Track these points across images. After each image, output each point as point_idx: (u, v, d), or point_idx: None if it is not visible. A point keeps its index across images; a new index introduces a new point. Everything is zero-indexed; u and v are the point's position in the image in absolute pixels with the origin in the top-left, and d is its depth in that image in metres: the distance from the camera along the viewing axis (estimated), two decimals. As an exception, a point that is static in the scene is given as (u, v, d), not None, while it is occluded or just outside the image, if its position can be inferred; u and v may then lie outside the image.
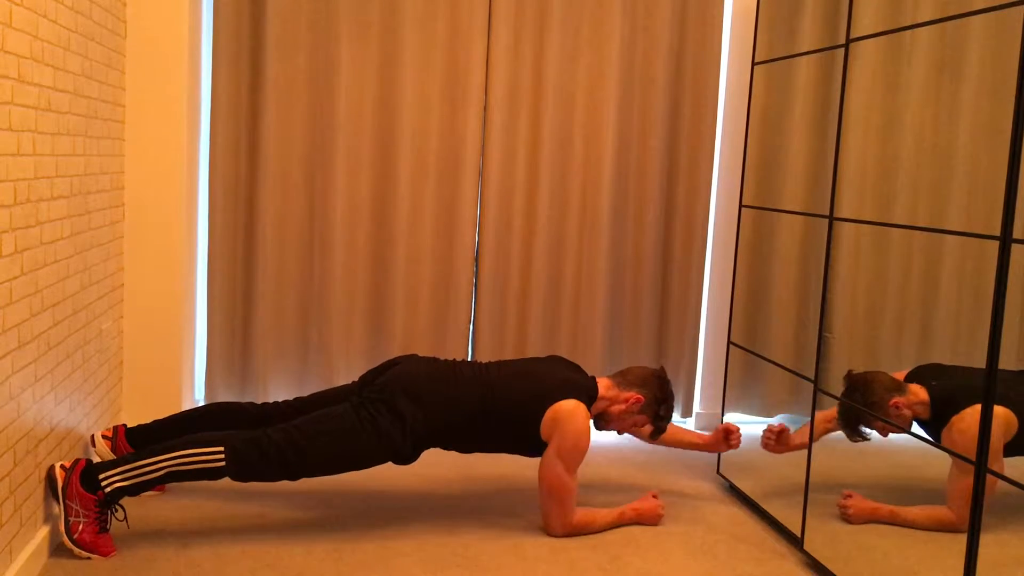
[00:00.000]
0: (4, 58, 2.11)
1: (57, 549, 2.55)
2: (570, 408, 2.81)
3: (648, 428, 3.05)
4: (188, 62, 3.31)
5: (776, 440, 3.03)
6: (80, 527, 2.50)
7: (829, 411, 2.73)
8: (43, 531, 2.48)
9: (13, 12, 2.15)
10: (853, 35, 2.62)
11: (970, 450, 2.12)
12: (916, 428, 2.40)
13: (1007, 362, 2.02)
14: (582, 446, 2.80)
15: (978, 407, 2.09)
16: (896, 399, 2.44)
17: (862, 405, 2.57)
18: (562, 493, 2.81)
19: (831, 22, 2.82)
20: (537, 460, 2.89)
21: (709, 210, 3.93)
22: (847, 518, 2.66)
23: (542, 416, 2.80)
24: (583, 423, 2.81)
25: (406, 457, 2.78)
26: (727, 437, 3.19)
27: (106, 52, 2.96)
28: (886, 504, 2.58)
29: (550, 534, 2.85)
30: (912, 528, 2.55)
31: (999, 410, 2.04)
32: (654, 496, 3.04)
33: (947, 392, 2.32)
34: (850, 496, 2.66)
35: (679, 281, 3.95)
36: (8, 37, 2.13)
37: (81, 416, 2.83)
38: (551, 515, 2.84)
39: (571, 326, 3.90)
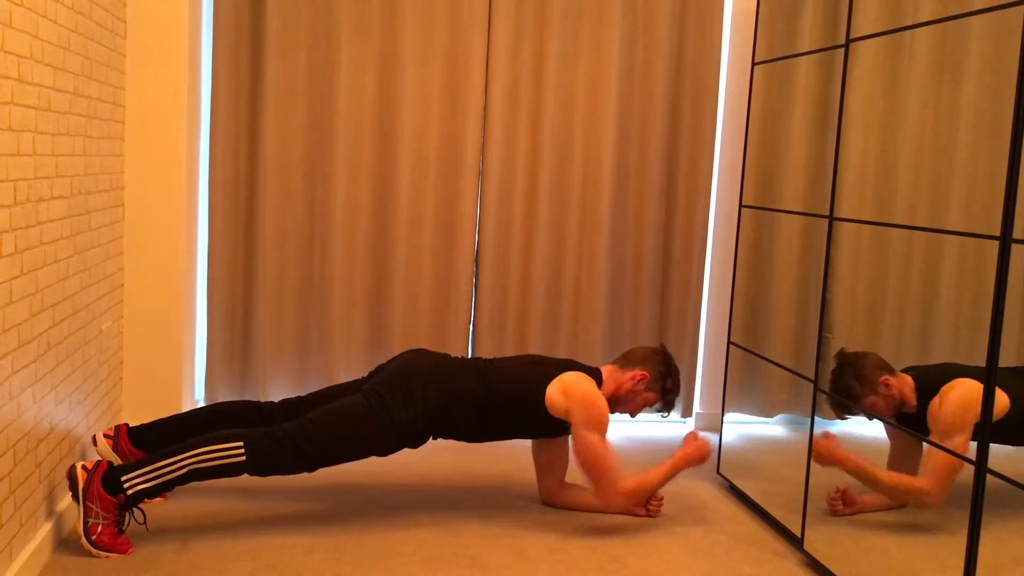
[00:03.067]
0: (4, 58, 2.11)
1: (58, 548, 2.55)
2: (574, 378, 2.85)
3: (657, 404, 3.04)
4: (188, 62, 3.31)
5: (844, 503, 2.68)
6: (99, 529, 2.51)
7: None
8: (43, 531, 2.47)
9: (13, 12, 2.15)
10: (853, 35, 2.62)
11: (956, 417, 2.15)
12: (903, 426, 2.41)
13: (1007, 363, 2.02)
14: (600, 407, 2.82)
15: (968, 380, 2.11)
16: (886, 377, 2.44)
17: (852, 380, 2.58)
18: (603, 461, 2.81)
19: (831, 22, 2.82)
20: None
21: (709, 210, 3.93)
22: (820, 460, 2.70)
23: (545, 388, 2.83)
24: (592, 387, 2.85)
25: (419, 437, 2.81)
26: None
27: (106, 52, 2.96)
28: (864, 460, 2.59)
29: (611, 508, 2.86)
30: (877, 490, 2.57)
31: (978, 386, 2.05)
32: (695, 436, 3.03)
33: (932, 378, 2.32)
34: (830, 436, 2.67)
35: (679, 281, 3.95)
36: (8, 37, 2.13)
37: (81, 416, 2.83)
38: (602, 488, 2.83)
39: (571, 326, 3.90)
